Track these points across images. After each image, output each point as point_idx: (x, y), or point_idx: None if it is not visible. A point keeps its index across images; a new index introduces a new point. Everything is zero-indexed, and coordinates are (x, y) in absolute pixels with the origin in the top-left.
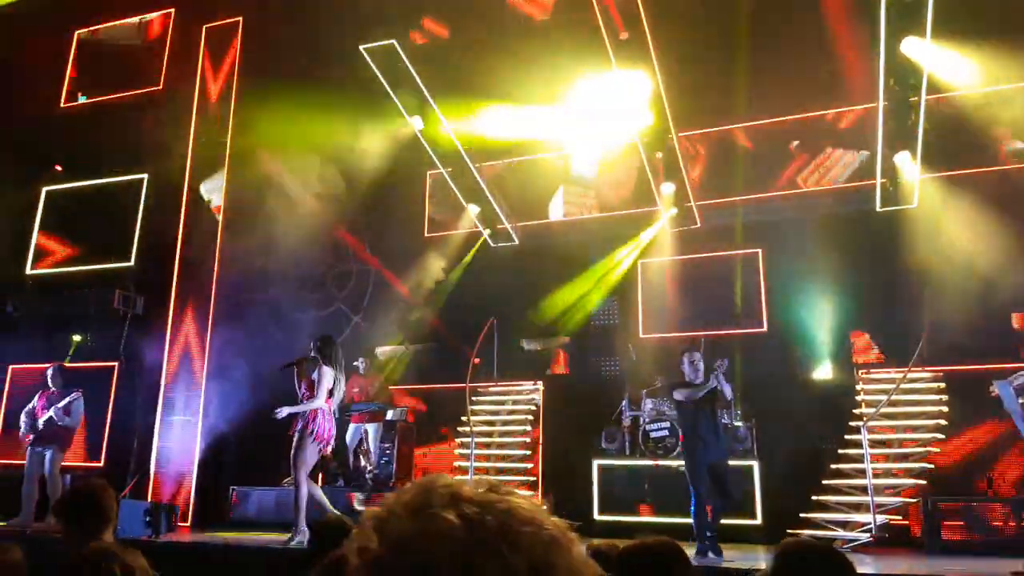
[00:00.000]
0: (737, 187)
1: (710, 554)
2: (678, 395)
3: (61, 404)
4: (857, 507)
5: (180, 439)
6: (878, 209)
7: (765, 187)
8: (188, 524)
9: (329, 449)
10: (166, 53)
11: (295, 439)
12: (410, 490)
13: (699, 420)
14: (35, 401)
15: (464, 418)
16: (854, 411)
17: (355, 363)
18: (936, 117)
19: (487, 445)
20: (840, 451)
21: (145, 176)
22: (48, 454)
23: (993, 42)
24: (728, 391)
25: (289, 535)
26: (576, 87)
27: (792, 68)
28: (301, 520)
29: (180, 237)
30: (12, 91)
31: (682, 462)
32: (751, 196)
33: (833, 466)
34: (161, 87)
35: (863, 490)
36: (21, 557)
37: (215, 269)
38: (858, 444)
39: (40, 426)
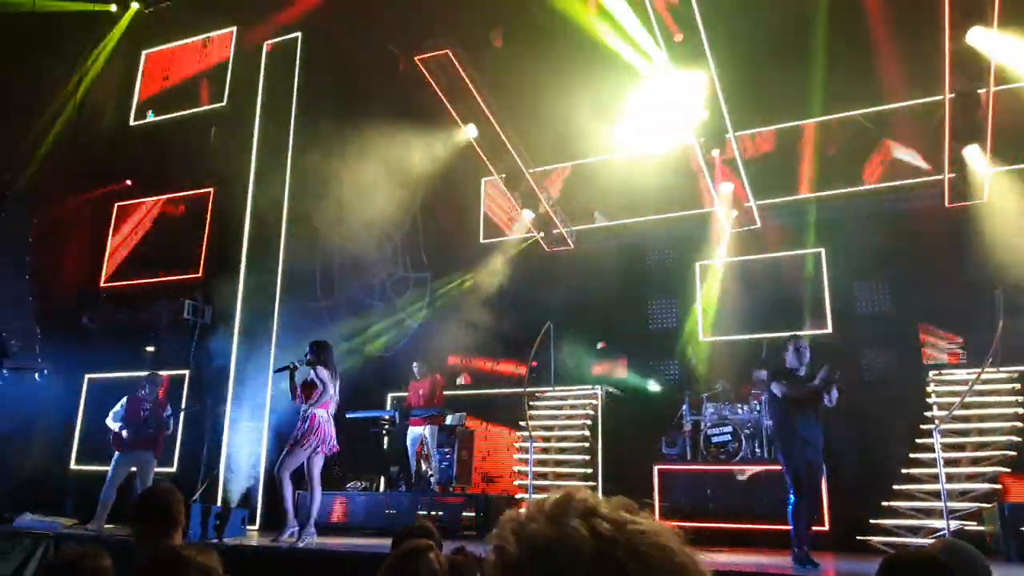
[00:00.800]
0: (798, 186)
1: (808, 566)
2: (776, 388)
3: (166, 415)
4: (929, 513)
5: (248, 444)
6: (947, 205)
7: (827, 185)
8: (256, 528)
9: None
10: (229, 70)
11: (290, 441)
12: (551, 499)
13: (800, 417)
14: (123, 408)
15: (522, 423)
16: (925, 414)
17: (412, 366)
18: (1005, 109)
19: (545, 450)
20: (911, 455)
21: (211, 190)
22: (147, 461)
23: None
24: (833, 397)
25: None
26: (632, 89)
27: (855, 63)
28: (291, 519)
29: (245, 248)
30: (86, 111)
31: (746, 467)
32: (813, 195)
33: (904, 471)
34: (225, 103)
35: (935, 495)
36: (110, 564)
37: (279, 278)
38: (930, 448)
39: (137, 432)
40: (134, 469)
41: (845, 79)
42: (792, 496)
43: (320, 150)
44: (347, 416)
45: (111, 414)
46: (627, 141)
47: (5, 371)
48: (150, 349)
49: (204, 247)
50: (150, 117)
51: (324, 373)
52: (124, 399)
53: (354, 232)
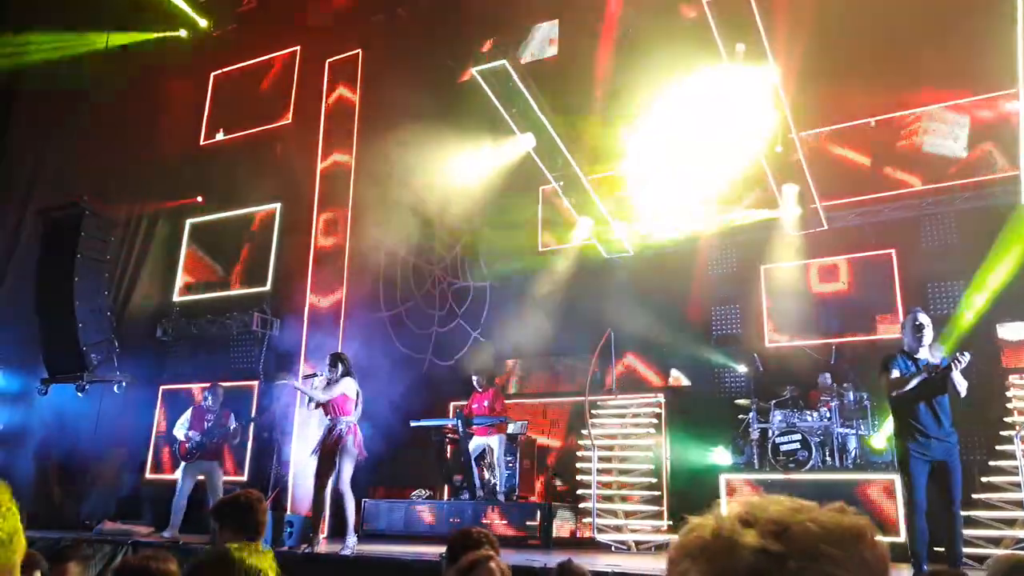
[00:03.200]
0: (866, 186)
1: None
2: (888, 380)
3: (230, 427)
4: (1012, 523)
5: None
6: (1023, 202)
7: (896, 185)
8: (325, 535)
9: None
10: (294, 88)
11: (340, 452)
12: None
13: (918, 406)
14: (189, 418)
15: (584, 431)
16: (1006, 419)
17: (472, 377)
18: None
19: (608, 459)
20: (991, 463)
21: (279, 205)
22: (212, 470)
23: None
24: (961, 385)
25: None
26: (692, 91)
27: (923, 57)
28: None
29: (311, 261)
30: (158, 130)
31: (814, 476)
32: (881, 194)
33: (984, 479)
34: (291, 120)
35: (1018, 504)
36: (176, 568)
37: (344, 289)
38: (1011, 455)
39: (202, 443)
40: (201, 478)
41: (915, 74)
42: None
43: (381, 163)
44: (411, 424)
45: (177, 425)
46: (687, 143)
47: (87, 384)
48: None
49: (272, 261)
50: (219, 136)
51: (352, 382)
52: (189, 410)
53: (417, 244)
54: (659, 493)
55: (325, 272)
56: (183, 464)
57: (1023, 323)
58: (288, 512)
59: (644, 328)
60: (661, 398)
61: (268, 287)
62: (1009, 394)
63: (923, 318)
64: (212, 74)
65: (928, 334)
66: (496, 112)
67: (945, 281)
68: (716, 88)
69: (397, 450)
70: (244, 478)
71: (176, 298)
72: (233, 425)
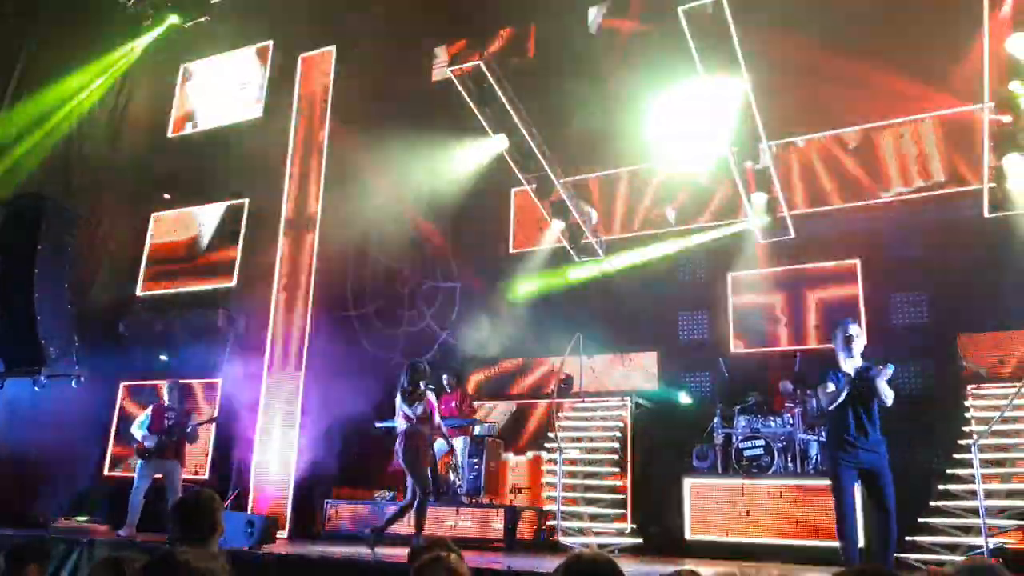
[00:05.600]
0: (833, 196)
1: None
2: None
3: (191, 425)
4: (967, 530)
5: (279, 453)
6: (986, 215)
7: (862, 195)
8: (285, 536)
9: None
10: (265, 83)
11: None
12: None
13: (847, 416)
14: (149, 416)
15: (551, 434)
16: (964, 428)
17: (441, 377)
18: None
19: (574, 461)
20: (949, 471)
21: (246, 200)
22: (171, 469)
23: None
24: (887, 395)
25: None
26: (664, 98)
27: (891, 71)
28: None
29: (278, 258)
30: (125, 123)
31: (777, 481)
32: (848, 204)
33: (941, 487)
34: (261, 115)
35: (974, 512)
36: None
37: (311, 288)
38: (968, 464)
39: (161, 441)
40: (160, 476)
41: (881, 88)
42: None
43: (353, 161)
44: (376, 426)
45: (136, 423)
46: (659, 150)
47: (43, 378)
48: (163, 358)
49: (239, 257)
50: (188, 129)
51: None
52: (149, 408)
53: (385, 243)
54: (624, 496)
55: (292, 269)
56: (140, 463)
57: (982, 334)
58: (249, 512)
59: (613, 332)
60: (628, 401)
61: (234, 283)
62: (967, 403)
63: (853, 329)
64: (182, 66)
65: (859, 345)
66: (470, 112)
67: (908, 292)
68: (689, 96)
69: (362, 451)
70: (205, 476)
71: (139, 292)
72: (194, 423)
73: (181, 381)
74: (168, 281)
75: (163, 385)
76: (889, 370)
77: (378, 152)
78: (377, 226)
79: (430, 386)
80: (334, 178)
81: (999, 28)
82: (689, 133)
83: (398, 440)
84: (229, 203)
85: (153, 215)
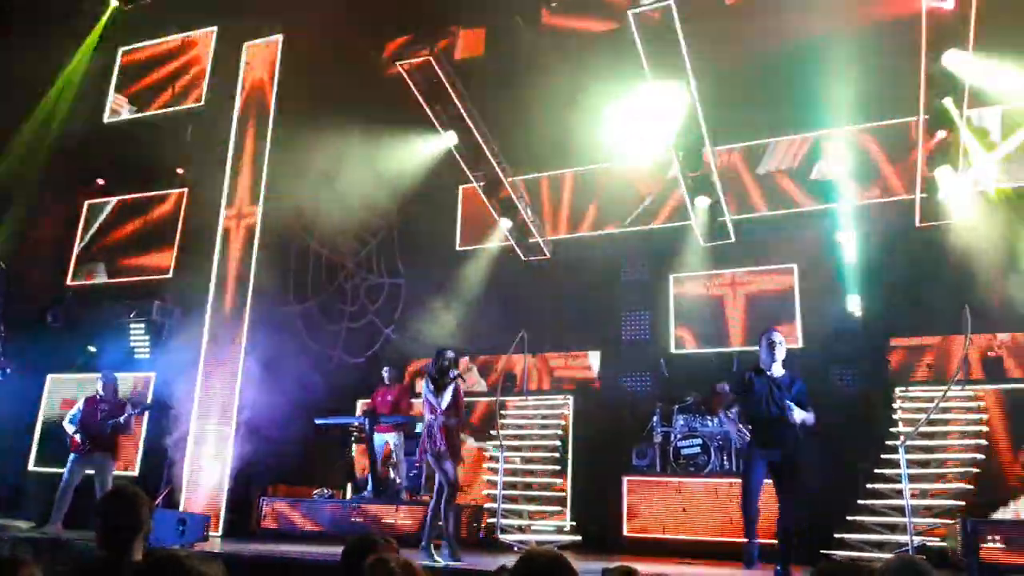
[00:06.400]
0: (772, 203)
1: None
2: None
3: (126, 415)
4: (893, 528)
5: (214, 448)
6: (917, 224)
7: (799, 202)
8: (219, 534)
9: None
10: (208, 70)
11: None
12: None
13: (764, 412)
14: (81, 409)
15: (493, 431)
16: (891, 430)
17: (382, 372)
18: (975, 131)
19: (516, 459)
20: (877, 471)
21: (185, 190)
22: (103, 463)
23: None
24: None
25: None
26: (614, 101)
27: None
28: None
29: (217, 250)
30: (59, 107)
31: (713, 479)
32: (785, 211)
33: (869, 486)
34: (202, 103)
35: (900, 511)
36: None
37: (251, 281)
38: (895, 464)
39: (93, 435)
40: (91, 472)
41: (822, 98)
42: None
43: (297, 153)
44: (316, 422)
45: (67, 416)
46: (606, 152)
47: None
48: (93, 349)
49: (175, 248)
50: (124, 115)
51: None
52: (81, 400)
53: (329, 236)
54: (563, 494)
55: (231, 262)
56: (72, 457)
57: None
58: (181, 509)
59: (557, 330)
60: (570, 399)
61: (170, 274)
62: (896, 406)
63: (777, 337)
64: (121, 49)
65: (781, 352)
66: (420, 108)
67: (842, 297)
68: (638, 100)
69: (300, 448)
70: (135, 472)
71: (70, 282)
72: (127, 416)
73: (115, 373)
74: (101, 271)
75: (96, 377)
76: (796, 414)
77: (324, 145)
78: (321, 219)
79: (460, 375)
80: (278, 170)
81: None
82: (637, 136)
83: (425, 433)
84: (167, 192)
85: (86, 203)
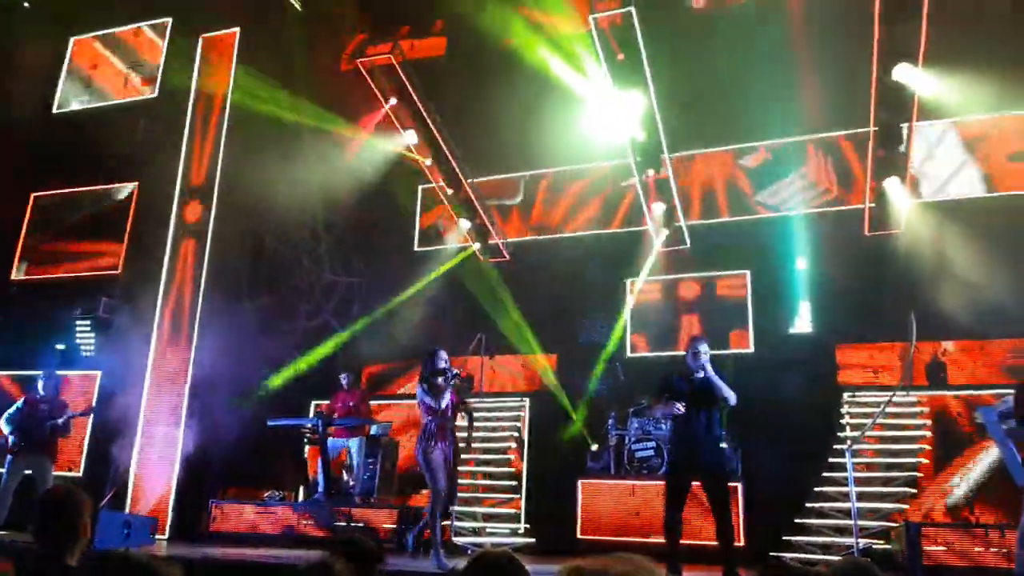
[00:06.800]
0: (726, 208)
1: None
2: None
3: (65, 417)
4: (841, 530)
5: (162, 450)
6: (866, 233)
7: (753, 210)
8: (166, 537)
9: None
10: (162, 62)
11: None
12: None
13: (690, 418)
14: (17, 408)
15: None
16: (839, 434)
17: (340, 376)
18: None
19: (471, 461)
20: (825, 474)
21: (135, 184)
22: (41, 464)
23: (988, 70)
24: (725, 394)
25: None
26: (575, 103)
27: (788, 91)
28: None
29: (169, 245)
30: (7, 95)
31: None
32: (740, 218)
33: (817, 489)
34: (156, 95)
35: (847, 513)
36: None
37: (203, 278)
38: (842, 467)
39: (32, 435)
40: (29, 472)
41: (777, 107)
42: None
43: (253, 148)
44: (268, 424)
45: (5, 416)
46: (566, 156)
47: None
48: (60, 347)
49: (125, 243)
50: (75, 106)
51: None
52: (21, 399)
53: (285, 234)
54: (518, 496)
55: (183, 257)
56: (8, 458)
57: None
58: (127, 512)
59: (515, 333)
60: (526, 402)
61: (119, 271)
62: (843, 410)
63: (702, 347)
64: (72, 39)
65: (704, 359)
66: (379, 105)
67: (792, 303)
68: (598, 105)
69: (252, 449)
70: (79, 474)
71: (15, 277)
72: (66, 417)
73: (57, 372)
74: (47, 266)
75: (37, 375)
76: (721, 384)
77: (281, 140)
78: (277, 216)
79: (458, 375)
80: (232, 164)
81: (887, 58)
82: (597, 141)
83: (424, 436)
84: (117, 185)
85: (33, 195)
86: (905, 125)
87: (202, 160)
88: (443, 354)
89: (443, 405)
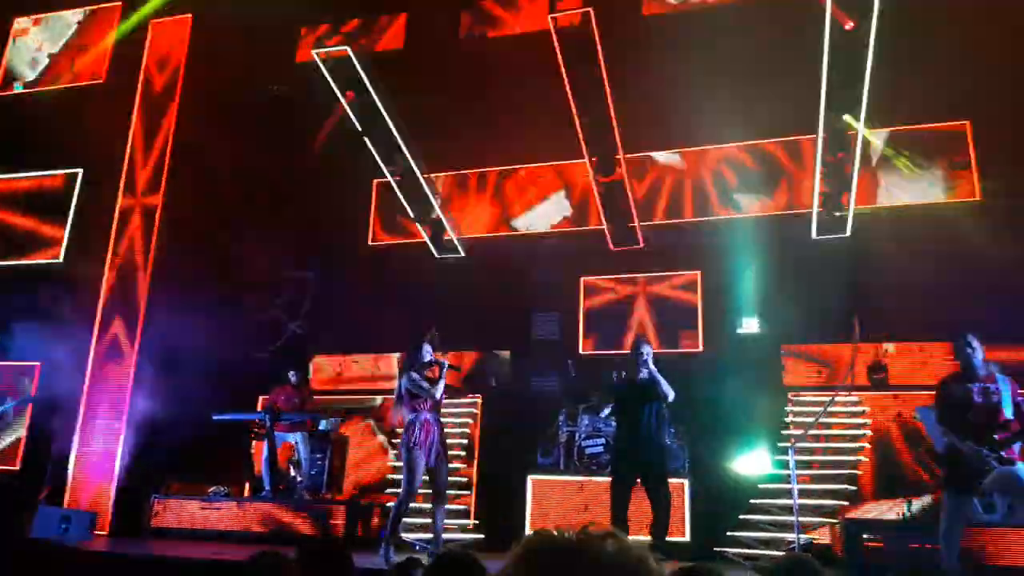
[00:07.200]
0: (680, 210)
1: None
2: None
3: (1, 409)
4: (783, 527)
5: (103, 444)
6: (813, 237)
7: (706, 211)
8: (106, 532)
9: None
10: (111, 46)
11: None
12: None
13: (632, 417)
14: None
15: (399, 429)
16: (783, 432)
17: (288, 373)
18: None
19: None
20: (769, 471)
21: (80, 171)
22: None
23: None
24: (665, 390)
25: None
26: (533, 101)
27: (735, 95)
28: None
29: (113, 235)
30: None
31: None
32: (691, 219)
33: (761, 486)
34: (103, 80)
35: (790, 510)
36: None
37: (147, 268)
38: (786, 465)
39: None
40: None
41: (732, 112)
42: None
43: (204, 137)
44: (213, 418)
45: None
46: (524, 153)
47: None
48: None
49: (67, 231)
50: (17, 88)
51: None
52: None
53: (235, 225)
54: (468, 492)
55: (128, 247)
56: None
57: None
58: (65, 507)
59: (469, 328)
60: (478, 398)
61: (61, 259)
62: (788, 409)
63: (645, 349)
64: (15, 19)
65: (647, 359)
66: (335, 97)
67: (741, 303)
68: (553, 104)
69: (196, 444)
70: (16, 467)
71: None
72: (5, 407)
73: None
74: None
75: None
76: (663, 382)
77: (233, 129)
78: (227, 207)
79: (447, 364)
80: (182, 153)
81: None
82: (554, 139)
83: (415, 430)
84: (60, 171)
85: None
86: (853, 132)
87: (150, 147)
88: (428, 346)
89: (439, 395)
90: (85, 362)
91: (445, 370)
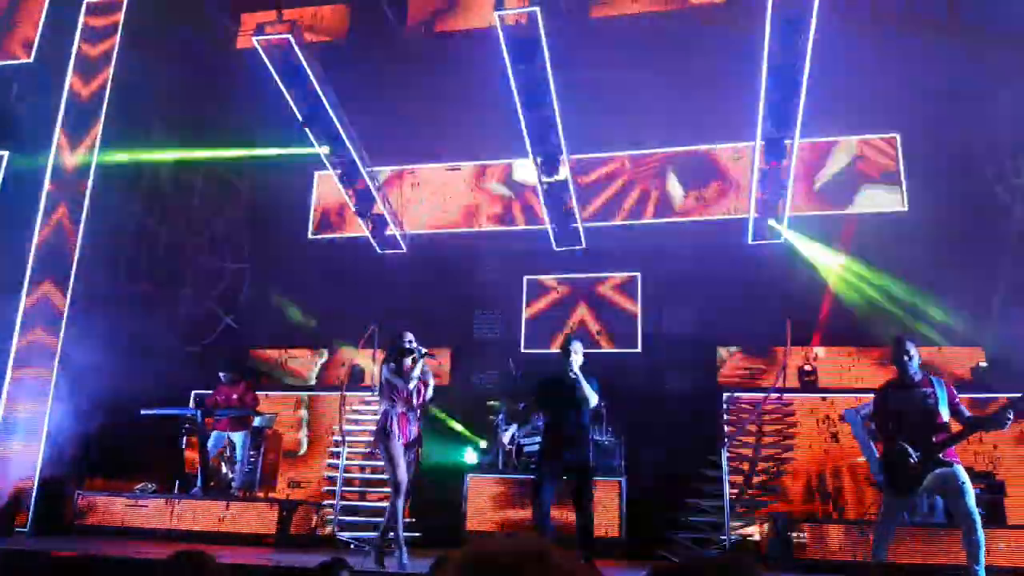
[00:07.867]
0: (621, 213)
1: None
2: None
3: None
4: (716, 525)
5: (23, 439)
6: (749, 242)
7: (645, 214)
8: (26, 530)
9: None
10: (41, 23)
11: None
12: None
13: (557, 418)
14: None
15: (335, 427)
16: (717, 432)
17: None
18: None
19: (357, 455)
20: (702, 471)
21: (6, 153)
22: None
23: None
24: (587, 395)
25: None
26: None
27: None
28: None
29: (39, 221)
30: None
31: None
32: (632, 221)
33: (694, 485)
34: (32, 59)
35: (722, 509)
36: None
37: (75, 256)
38: (719, 464)
39: None
40: None
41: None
42: None
43: (137, 123)
44: (142, 413)
45: None
46: (467, 151)
47: None
48: None
49: None
50: None
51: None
52: None
53: (170, 216)
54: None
55: (55, 236)
56: None
57: (738, 348)
58: None
59: (410, 326)
60: None
61: None
62: (722, 408)
63: (574, 347)
64: None
65: (576, 360)
66: (276, 86)
67: (678, 306)
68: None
69: (124, 440)
70: None
71: None
72: None
73: None
74: None
75: None
76: (584, 385)
77: (168, 116)
78: (160, 195)
79: (429, 353)
80: (114, 139)
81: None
82: (499, 138)
83: (388, 422)
84: None
85: None
86: (789, 141)
87: (80, 133)
88: (408, 335)
89: (412, 386)
90: (6, 353)
91: (421, 361)
